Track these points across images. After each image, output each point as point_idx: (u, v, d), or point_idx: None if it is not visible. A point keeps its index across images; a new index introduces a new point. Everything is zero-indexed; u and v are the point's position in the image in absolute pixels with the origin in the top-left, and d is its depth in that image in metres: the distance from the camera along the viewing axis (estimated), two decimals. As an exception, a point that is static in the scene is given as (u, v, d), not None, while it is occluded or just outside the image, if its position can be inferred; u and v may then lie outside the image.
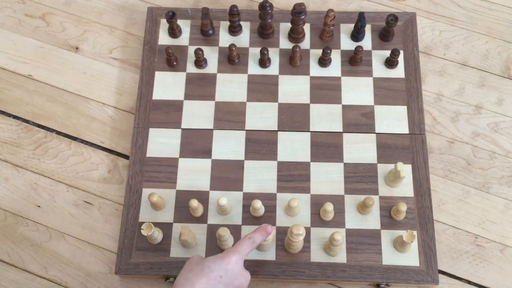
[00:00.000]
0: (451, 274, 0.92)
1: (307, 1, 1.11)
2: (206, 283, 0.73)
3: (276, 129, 0.99)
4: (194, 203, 0.89)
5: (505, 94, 1.05)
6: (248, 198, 0.93)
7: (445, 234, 0.94)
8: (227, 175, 0.95)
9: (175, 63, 1.03)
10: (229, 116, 1.00)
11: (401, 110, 1.00)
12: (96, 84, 1.06)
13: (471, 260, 0.93)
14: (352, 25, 1.07)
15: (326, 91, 1.02)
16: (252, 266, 0.89)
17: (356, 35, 1.05)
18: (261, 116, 1.00)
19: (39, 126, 1.03)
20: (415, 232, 0.87)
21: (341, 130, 0.99)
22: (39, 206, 0.97)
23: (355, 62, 1.03)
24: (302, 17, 1.00)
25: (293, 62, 1.04)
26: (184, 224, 0.89)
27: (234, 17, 1.03)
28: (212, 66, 1.04)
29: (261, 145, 0.98)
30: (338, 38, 1.06)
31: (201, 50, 1.01)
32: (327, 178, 0.95)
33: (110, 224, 0.95)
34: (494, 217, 0.95)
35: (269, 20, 1.03)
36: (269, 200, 0.93)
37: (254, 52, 1.05)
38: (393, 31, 1.04)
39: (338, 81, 1.03)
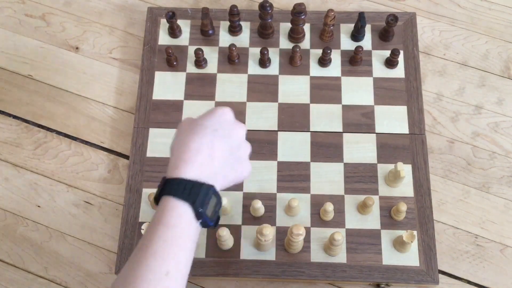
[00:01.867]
0: (451, 274, 0.92)
1: (307, 1, 1.11)
2: (201, 140, 0.67)
3: (276, 129, 0.99)
4: None
5: (505, 94, 1.05)
6: (248, 198, 0.93)
7: (445, 234, 0.94)
8: (227, 175, 0.95)
9: (175, 63, 1.03)
10: (229, 116, 1.00)
11: (401, 110, 1.00)
12: (96, 84, 1.06)
13: (471, 260, 0.93)
14: (352, 25, 1.07)
15: (326, 91, 1.02)
16: (252, 266, 0.89)
17: (356, 35, 1.05)
18: (261, 116, 1.00)
19: (39, 126, 1.03)
20: (415, 232, 0.87)
21: (341, 130, 0.99)
22: (39, 206, 0.97)
23: (355, 62, 1.03)
24: (302, 17, 1.00)
25: (293, 62, 1.04)
26: None
27: (234, 17, 1.03)
28: (212, 66, 1.04)
29: (261, 145, 0.98)
30: (338, 38, 1.06)
31: (201, 50, 1.01)
32: (327, 178, 0.95)
33: (110, 224, 0.95)
34: (494, 217, 0.95)
35: (269, 20, 1.03)
36: (269, 200, 0.93)
37: (254, 52, 1.05)
38: (393, 31, 1.04)
39: (338, 81, 1.03)
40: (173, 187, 0.64)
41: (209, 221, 0.65)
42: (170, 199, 0.64)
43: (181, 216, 0.63)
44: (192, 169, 0.66)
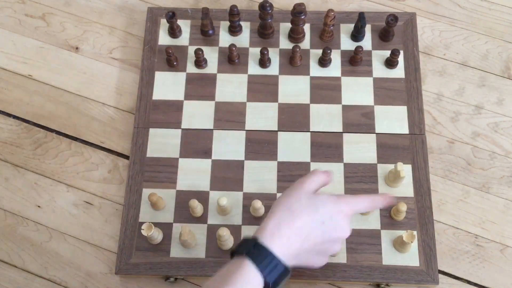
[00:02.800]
0: (451, 274, 0.92)
1: (307, 1, 1.11)
2: (307, 223, 0.68)
3: (276, 129, 0.99)
4: (194, 203, 0.89)
5: (505, 94, 1.05)
6: (248, 198, 0.93)
7: (445, 234, 0.94)
8: (227, 175, 0.95)
9: (175, 63, 1.03)
10: (229, 116, 1.00)
11: (401, 110, 1.00)
12: (96, 84, 1.06)
13: (471, 260, 0.93)
14: (352, 25, 1.07)
15: (326, 91, 1.02)
16: (252, 266, 0.89)
17: (356, 35, 1.05)
18: (261, 116, 1.00)
19: (39, 126, 1.03)
20: (415, 232, 0.87)
21: (341, 130, 0.99)
22: (39, 206, 0.97)
23: (355, 62, 1.03)
24: (302, 17, 1.00)
25: (293, 62, 1.04)
26: (184, 224, 0.89)
27: (234, 17, 1.03)
28: (212, 66, 1.04)
29: (261, 145, 0.98)
30: (338, 38, 1.06)
31: (201, 50, 1.01)
32: (327, 178, 0.95)
33: (110, 224, 0.95)
34: (494, 217, 0.95)
35: (269, 20, 1.03)
36: (269, 200, 0.93)
37: (254, 52, 1.05)
38: (393, 31, 1.04)
39: (338, 81, 1.03)
40: (258, 254, 0.66)
41: None
42: (249, 263, 0.65)
43: (251, 282, 0.64)
44: (285, 248, 0.67)
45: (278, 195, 0.94)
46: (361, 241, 0.91)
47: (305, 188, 0.73)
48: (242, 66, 1.04)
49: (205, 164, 0.96)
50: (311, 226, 0.69)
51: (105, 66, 1.08)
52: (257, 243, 0.66)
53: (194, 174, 0.96)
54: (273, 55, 1.05)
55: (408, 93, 1.01)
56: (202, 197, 0.93)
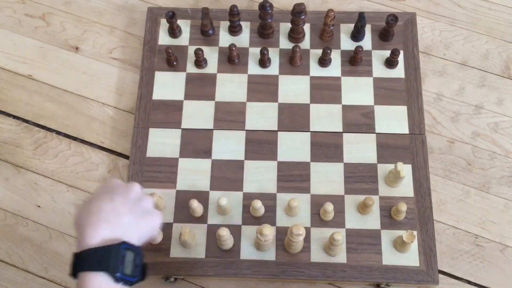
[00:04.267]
0: (451, 274, 0.92)
1: (307, 1, 1.11)
2: (100, 203, 0.66)
3: (276, 129, 0.99)
4: (194, 203, 0.89)
5: (505, 94, 1.05)
6: (248, 198, 0.93)
7: (445, 234, 0.94)
8: (227, 175, 0.95)
9: (175, 63, 1.03)
10: (229, 116, 1.00)
11: (401, 110, 1.00)
12: (96, 84, 1.06)
13: (471, 260, 0.93)
14: (352, 25, 1.07)
15: (326, 91, 1.02)
16: (252, 266, 0.89)
17: (356, 35, 1.05)
18: (261, 116, 1.00)
19: (39, 126, 1.03)
20: (415, 232, 0.87)
21: (341, 130, 0.99)
22: (39, 206, 0.97)
23: (355, 62, 1.03)
24: (302, 17, 1.00)
25: (293, 62, 1.04)
26: (184, 225, 0.89)
27: (234, 17, 1.03)
28: (212, 66, 1.04)
29: (261, 145, 0.98)
30: (338, 38, 1.06)
31: (201, 50, 1.01)
32: (327, 178, 0.95)
33: (110, 224, 0.95)
34: (494, 217, 0.95)
35: (269, 20, 1.03)
36: (269, 200, 0.93)
37: (254, 52, 1.05)
38: (393, 31, 1.04)
39: (338, 81, 1.03)
40: (83, 261, 0.63)
41: (131, 278, 0.64)
42: (85, 274, 0.62)
43: (100, 287, 0.62)
44: (99, 233, 0.64)
45: (278, 195, 0.94)
46: (361, 241, 0.91)
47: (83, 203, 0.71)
48: (242, 66, 1.04)
49: (205, 164, 0.96)
50: (107, 199, 0.67)
51: (105, 66, 1.08)
52: (77, 254, 0.64)
53: (194, 174, 0.96)
54: (273, 55, 1.05)
55: (408, 93, 1.01)
56: (202, 197, 0.93)
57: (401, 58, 1.04)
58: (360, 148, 0.97)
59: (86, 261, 0.63)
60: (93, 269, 0.62)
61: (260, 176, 0.95)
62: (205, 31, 1.06)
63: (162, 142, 0.98)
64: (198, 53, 1.01)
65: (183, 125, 0.99)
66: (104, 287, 0.62)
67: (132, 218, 0.68)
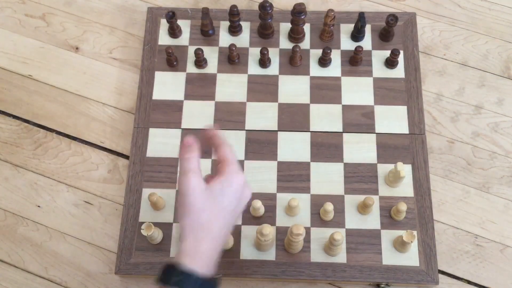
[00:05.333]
0: (451, 274, 0.92)
1: (307, 1, 1.11)
2: (219, 228, 0.68)
3: (276, 129, 0.99)
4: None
5: (505, 94, 1.05)
6: (248, 198, 0.93)
7: (445, 234, 0.94)
8: (227, 175, 0.95)
9: (175, 63, 1.03)
10: (229, 116, 1.00)
11: (401, 110, 1.00)
12: (96, 84, 1.06)
13: (471, 260, 0.93)
14: (352, 25, 1.07)
15: (326, 91, 1.02)
16: (252, 266, 0.89)
17: (356, 35, 1.05)
18: (261, 116, 1.00)
19: (39, 126, 1.03)
20: (415, 232, 0.87)
21: (341, 130, 0.99)
22: (39, 206, 0.97)
23: (355, 62, 1.03)
24: (302, 17, 1.00)
25: (293, 62, 1.04)
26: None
27: (234, 17, 1.03)
28: (212, 66, 1.04)
29: (261, 145, 0.98)
30: (338, 38, 1.06)
31: (201, 50, 1.01)
32: (327, 178, 0.95)
33: (110, 224, 0.95)
34: (494, 217, 0.95)
35: (269, 20, 1.03)
36: (269, 200, 0.93)
37: (254, 52, 1.05)
38: (393, 31, 1.04)
39: (338, 81, 1.03)
40: (187, 284, 0.65)
41: None
42: None
43: None
44: (207, 261, 0.68)
45: (278, 195, 0.94)
46: (361, 241, 0.91)
47: (191, 185, 0.67)
48: (242, 66, 1.04)
49: (205, 164, 0.96)
50: (223, 224, 0.69)
51: (105, 66, 1.08)
52: (181, 270, 0.65)
53: (194, 174, 0.95)
54: (273, 55, 1.05)
55: (408, 93, 1.01)
56: (202, 197, 0.93)
57: (401, 58, 1.04)
58: (360, 148, 0.97)
59: (186, 283, 0.65)
60: None
61: (260, 176, 0.95)
62: (205, 31, 1.06)
63: (162, 142, 0.98)
64: (198, 53, 1.01)
65: (183, 125, 0.99)
66: None
67: (225, 237, 0.72)
